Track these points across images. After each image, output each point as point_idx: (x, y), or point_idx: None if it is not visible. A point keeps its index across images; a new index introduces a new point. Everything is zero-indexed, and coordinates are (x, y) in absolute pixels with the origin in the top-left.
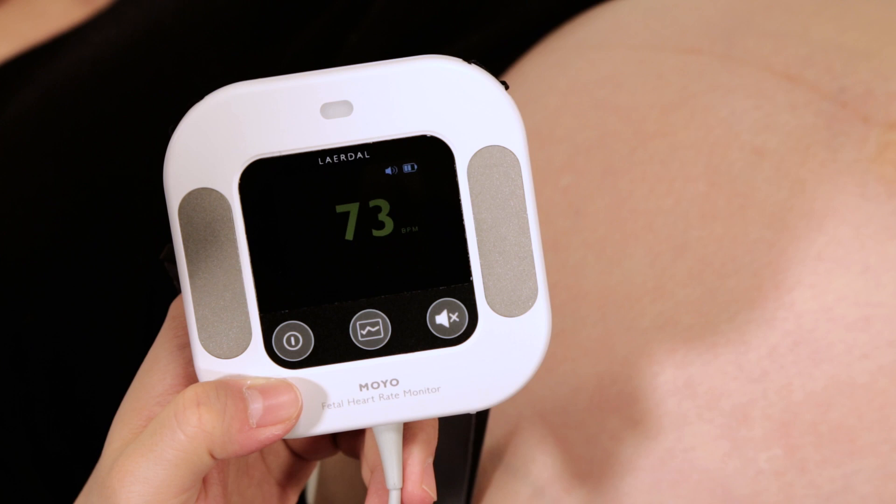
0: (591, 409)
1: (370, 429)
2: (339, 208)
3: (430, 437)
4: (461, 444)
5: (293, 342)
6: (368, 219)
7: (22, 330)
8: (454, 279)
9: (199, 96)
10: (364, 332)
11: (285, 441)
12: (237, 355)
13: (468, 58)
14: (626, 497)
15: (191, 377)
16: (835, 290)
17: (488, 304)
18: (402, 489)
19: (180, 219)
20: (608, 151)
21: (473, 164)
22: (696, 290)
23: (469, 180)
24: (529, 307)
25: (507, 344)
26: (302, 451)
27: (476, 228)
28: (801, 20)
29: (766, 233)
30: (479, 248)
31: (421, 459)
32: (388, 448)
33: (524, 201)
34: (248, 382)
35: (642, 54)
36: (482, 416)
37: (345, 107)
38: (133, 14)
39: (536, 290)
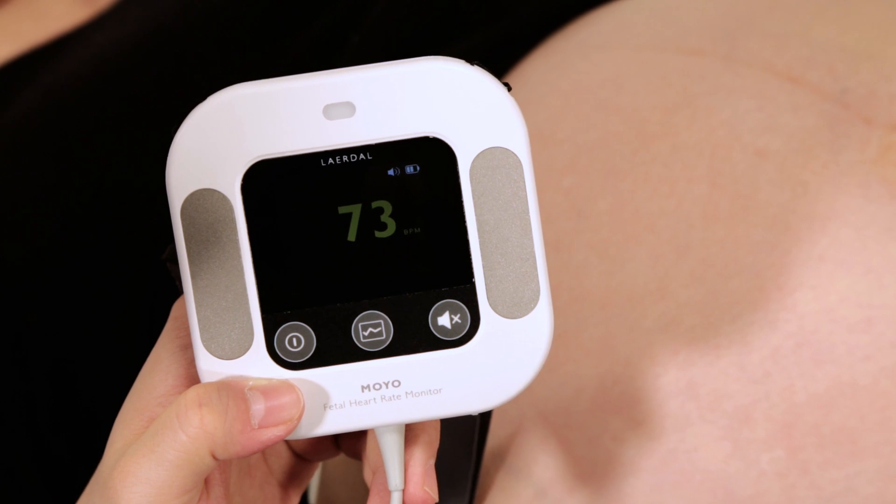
0: (593, 411)
1: (372, 430)
2: (342, 209)
3: (432, 439)
4: (464, 446)
5: (295, 343)
6: (371, 220)
7: (24, 331)
8: (456, 280)
9: (201, 97)
10: (366, 334)
11: (287, 442)
12: (239, 356)
13: (470, 59)
14: (628, 498)
15: (193, 378)
16: (837, 292)
17: (490, 305)
18: (403, 490)
19: (183, 220)
20: (610, 152)
21: (476, 165)
22: (698, 291)
23: (471, 182)
24: (532, 309)
25: (510, 345)
26: (304, 453)
27: (478, 230)
28: (803, 21)
29: (768, 234)
30: (481, 249)
31: (423, 461)
32: (390, 449)
33: (526, 203)
34: (250, 383)
35: (645, 55)
36: (485, 418)
37: (347, 108)
38: (135, 15)
39: (539, 291)
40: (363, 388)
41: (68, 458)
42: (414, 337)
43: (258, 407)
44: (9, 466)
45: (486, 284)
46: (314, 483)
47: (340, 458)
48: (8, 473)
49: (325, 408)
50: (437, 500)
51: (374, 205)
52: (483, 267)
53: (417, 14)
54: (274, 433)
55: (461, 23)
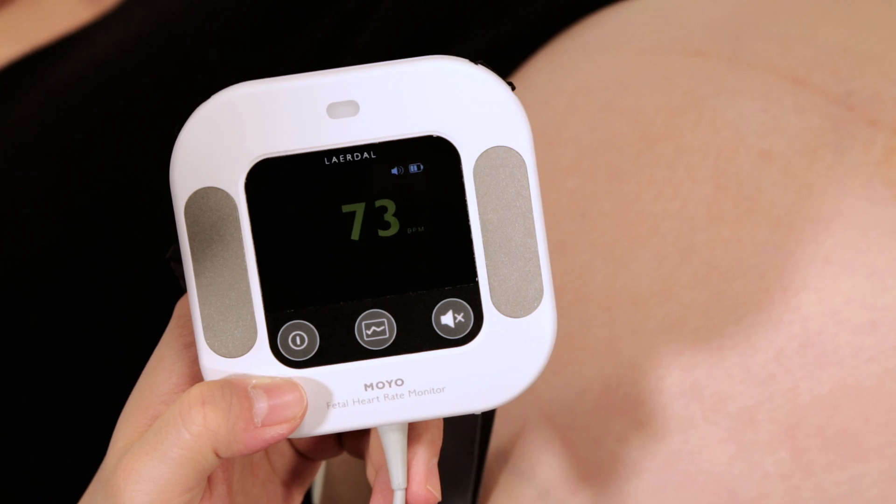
0: (597, 412)
1: (375, 429)
2: (345, 208)
3: (435, 438)
4: (467, 446)
5: (298, 342)
6: (374, 219)
7: (27, 329)
8: (460, 279)
9: (205, 96)
10: (369, 332)
11: (290, 441)
12: (242, 354)
13: (474, 58)
14: (631, 499)
15: (196, 376)
16: (842, 294)
17: (494, 304)
18: (406, 489)
19: (186, 218)
20: (615, 154)
21: (479, 164)
22: (702, 292)
23: (475, 181)
24: (535, 308)
25: (513, 344)
26: (307, 451)
27: (482, 229)
28: (807, 23)
29: (772, 236)
30: (484, 248)
31: (425, 460)
32: (393, 448)
33: (530, 202)
34: (254, 381)
35: (649, 57)
36: (488, 417)
37: (351, 107)
38: (139, 15)
39: (542, 290)
40: (366, 386)
41: (71, 456)
42: (417, 336)
43: (261, 405)
44: (12, 465)
45: (489, 283)
46: (319, 483)
47: (344, 458)
48: (11, 472)
49: (328, 406)
50: (439, 499)
51: (378, 204)
52: (486, 266)
53: (422, 15)
54: (277, 431)
55: (466, 24)
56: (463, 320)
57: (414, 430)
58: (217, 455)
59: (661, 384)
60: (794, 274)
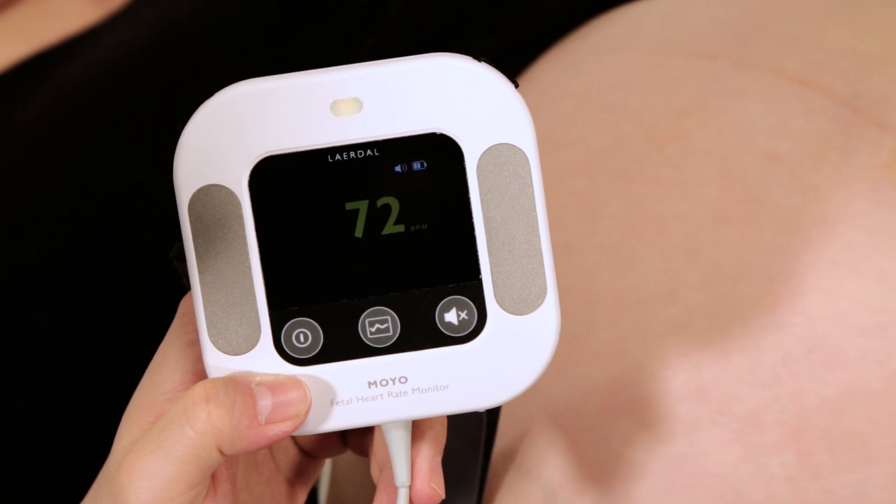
0: (603, 413)
1: (379, 426)
2: (349, 206)
3: (439, 435)
4: (472, 444)
5: (302, 339)
6: (378, 216)
7: (33, 328)
8: (463, 277)
9: (210, 95)
10: (373, 330)
11: (294, 438)
12: (246, 352)
13: (478, 56)
14: (637, 500)
15: (200, 374)
16: (849, 296)
17: (497, 302)
18: (410, 487)
19: (190, 215)
20: (622, 155)
21: (483, 161)
22: (709, 294)
23: (478, 178)
24: (538, 305)
25: (516, 342)
26: (311, 449)
27: (485, 226)
28: (814, 25)
29: (779, 238)
30: (488, 245)
31: (429, 457)
32: (397, 446)
33: (533, 199)
34: (258, 379)
35: (656, 58)
36: (492, 416)
37: (355, 104)
38: (148, 15)
39: (545, 288)
40: (370, 384)
41: (75, 454)
42: (421, 333)
43: (265, 402)
44: (16, 463)
45: (492, 281)
46: (324, 483)
47: (349, 457)
48: (16, 470)
49: (331, 404)
50: (443, 496)
51: (381, 201)
52: (490, 263)
53: (430, 16)
54: (281, 429)
55: (474, 25)
56: (466, 318)
57: (418, 428)
58: (221, 452)
59: (667, 386)
60: (801, 276)
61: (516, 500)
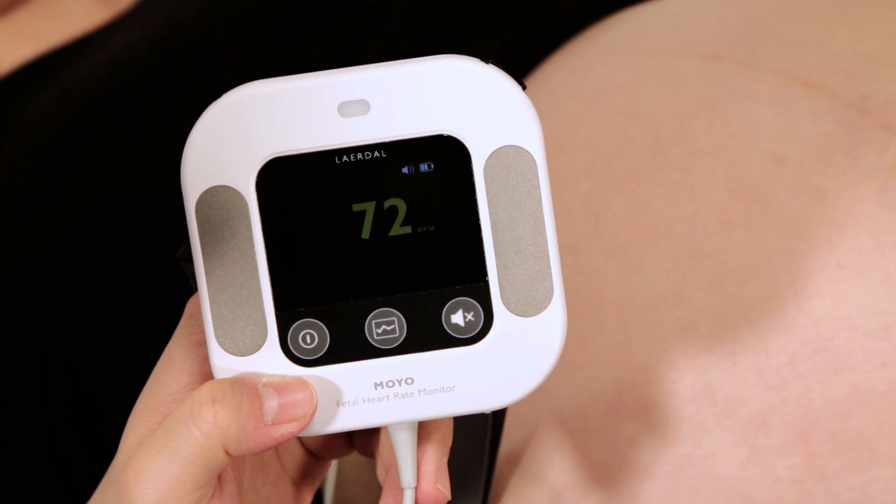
0: (609, 415)
1: (385, 428)
2: (356, 207)
3: (445, 437)
4: (478, 445)
5: (308, 340)
6: (385, 218)
7: (39, 329)
8: (470, 278)
9: (217, 96)
10: (379, 331)
11: (300, 439)
12: (253, 353)
13: (485, 57)
14: (642, 502)
15: (206, 374)
16: (855, 299)
17: (504, 303)
18: (416, 488)
19: (197, 216)
20: (628, 157)
21: (490, 163)
22: (715, 296)
23: (485, 180)
24: (545, 307)
25: (523, 344)
26: (317, 450)
27: (492, 228)
28: (822, 28)
29: (785, 240)
30: (494, 247)
31: (435, 458)
32: (403, 447)
33: (540, 201)
34: (264, 380)
35: (663, 60)
36: (498, 417)
37: (362, 106)
38: (154, 16)
39: (552, 290)
40: (376, 385)
41: (82, 455)
42: (427, 335)
43: (271, 403)
44: (23, 463)
45: (499, 282)
46: (330, 484)
47: (355, 459)
48: (22, 471)
49: (338, 405)
50: (449, 498)
51: (388, 203)
52: (497, 265)
53: (436, 18)
54: (287, 430)
55: (480, 26)
56: (473, 319)
57: (424, 429)
58: (227, 453)
59: (673, 388)
60: (807, 279)
61: (522, 502)
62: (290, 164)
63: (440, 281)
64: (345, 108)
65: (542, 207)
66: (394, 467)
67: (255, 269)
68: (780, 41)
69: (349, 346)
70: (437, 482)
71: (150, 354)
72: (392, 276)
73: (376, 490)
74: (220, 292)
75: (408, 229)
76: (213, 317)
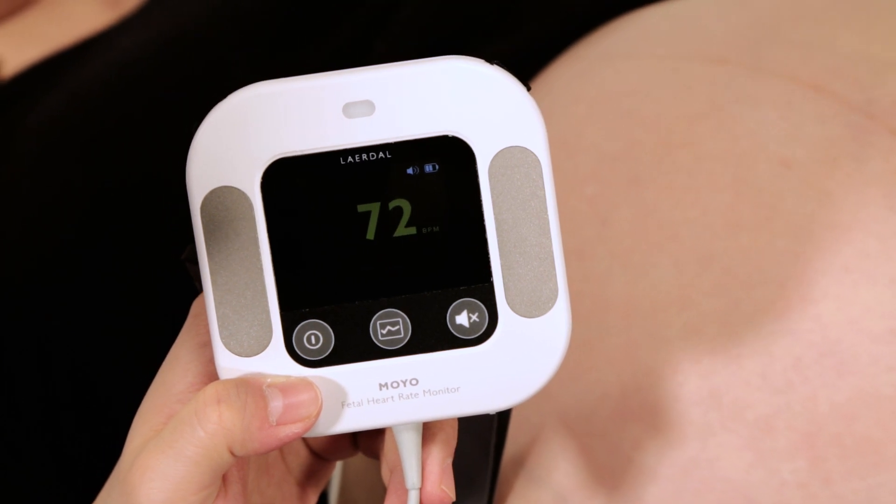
0: (614, 418)
1: (390, 428)
2: (361, 208)
3: (450, 438)
4: (482, 446)
5: (313, 341)
6: (389, 218)
7: (44, 330)
8: (474, 279)
9: (222, 97)
10: (384, 332)
11: (305, 440)
12: (258, 353)
13: (490, 58)
14: None
15: (211, 375)
16: (861, 302)
17: (508, 304)
18: (420, 489)
19: (202, 216)
20: (634, 161)
21: (495, 164)
22: (721, 300)
23: (490, 181)
24: (549, 308)
25: (527, 344)
26: (321, 451)
27: (497, 229)
28: (829, 31)
29: (792, 244)
30: (499, 248)
31: (440, 459)
32: (408, 448)
33: (545, 202)
34: (269, 380)
35: (669, 64)
36: (503, 418)
37: (367, 106)
38: (160, 18)
39: (557, 290)
40: (381, 386)
41: (87, 455)
42: (432, 335)
43: (276, 404)
44: (28, 464)
45: (504, 283)
46: (335, 486)
47: (360, 460)
48: (28, 471)
49: (342, 406)
50: (454, 498)
51: (393, 203)
52: (501, 266)
53: (442, 21)
54: (292, 430)
55: (486, 30)
56: (477, 320)
57: (428, 430)
58: (232, 453)
59: (679, 391)
60: (813, 282)
61: None
62: (295, 164)
63: (445, 282)
64: (350, 109)
65: (546, 208)
66: (398, 468)
67: (260, 269)
68: (787, 44)
69: (354, 346)
70: (442, 483)
71: (155, 355)
72: (397, 276)
73: (381, 491)
74: (225, 293)
75: (413, 230)
76: (218, 317)
